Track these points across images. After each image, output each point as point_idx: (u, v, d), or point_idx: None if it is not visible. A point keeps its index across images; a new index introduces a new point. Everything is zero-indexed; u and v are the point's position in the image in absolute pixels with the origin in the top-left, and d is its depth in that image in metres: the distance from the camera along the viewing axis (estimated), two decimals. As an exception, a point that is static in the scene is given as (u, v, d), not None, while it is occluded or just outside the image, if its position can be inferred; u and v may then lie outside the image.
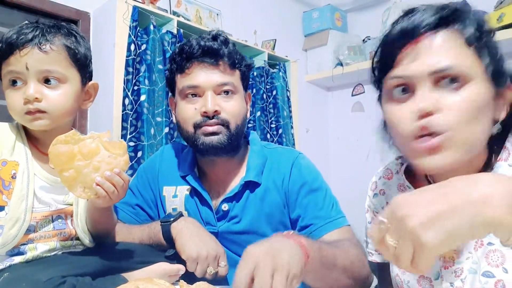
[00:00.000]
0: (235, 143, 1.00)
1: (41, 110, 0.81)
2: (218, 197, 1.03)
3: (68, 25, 0.87)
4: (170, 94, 1.06)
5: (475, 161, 0.68)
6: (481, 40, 0.64)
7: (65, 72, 0.83)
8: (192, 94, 0.96)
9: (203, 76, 0.94)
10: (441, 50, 0.62)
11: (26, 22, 0.84)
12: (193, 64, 0.95)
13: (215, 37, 0.97)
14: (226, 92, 0.96)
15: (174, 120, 1.04)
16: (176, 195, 1.05)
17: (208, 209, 1.02)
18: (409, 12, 0.66)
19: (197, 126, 0.95)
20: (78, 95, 0.88)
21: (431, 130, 0.61)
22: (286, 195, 1.01)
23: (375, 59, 0.72)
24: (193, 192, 1.04)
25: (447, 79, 0.61)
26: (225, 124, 0.95)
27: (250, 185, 1.02)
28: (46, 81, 0.82)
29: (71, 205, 0.87)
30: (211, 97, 0.93)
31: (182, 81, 0.97)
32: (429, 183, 0.75)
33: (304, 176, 1.01)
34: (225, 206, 1.01)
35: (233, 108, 0.96)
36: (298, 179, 1.01)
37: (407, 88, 0.65)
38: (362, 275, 0.84)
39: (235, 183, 1.03)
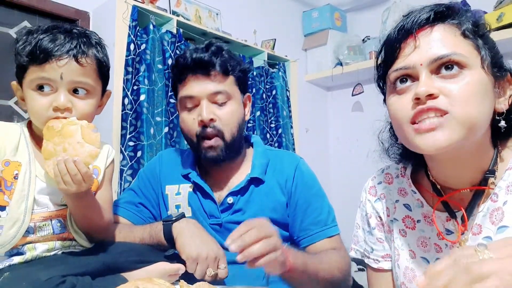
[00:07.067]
0: (233, 151, 1.07)
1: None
2: (222, 191, 1.10)
3: (93, 33, 0.89)
4: (176, 100, 1.14)
5: (483, 158, 0.69)
6: (477, 34, 0.67)
7: (94, 84, 0.86)
8: (190, 104, 1.04)
9: (197, 87, 1.02)
10: (439, 40, 0.65)
11: (55, 25, 0.85)
12: (188, 76, 1.03)
13: (207, 47, 1.05)
14: (221, 98, 1.04)
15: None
16: (179, 192, 1.11)
17: (211, 202, 1.07)
18: (408, 13, 0.70)
19: (199, 137, 1.03)
20: (99, 103, 0.91)
21: (431, 110, 0.63)
22: (289, 196, 1.08)
23: (379, 59, 0.75)
24: (196, 188, 1.10)
25: (446, 66, 0.64)
26: (220, 135, 1.03)
27: (255, 181, 1.08)
28: (75, 90, 0.84)
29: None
30: (205, 105, 1.02)
31: (181, 91, 1.06)
32: (435, 189, 0.74)
33: (306, 181, 1.09)
34: (230, 199, 1.07)
35: (227, 115, 1.04)
36: (301, 182, 1.08)
37: (408, 79, 0.67)
38: (340, 283, 0.98)
39: (240, 179, 1.09)
